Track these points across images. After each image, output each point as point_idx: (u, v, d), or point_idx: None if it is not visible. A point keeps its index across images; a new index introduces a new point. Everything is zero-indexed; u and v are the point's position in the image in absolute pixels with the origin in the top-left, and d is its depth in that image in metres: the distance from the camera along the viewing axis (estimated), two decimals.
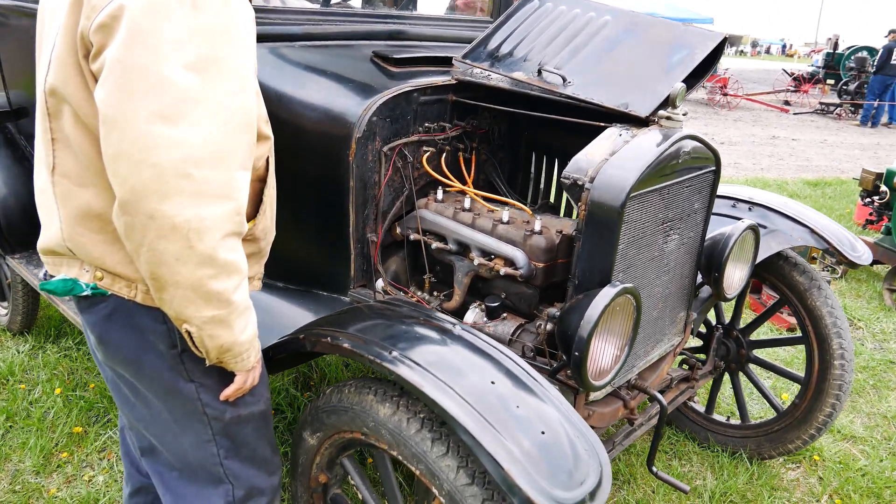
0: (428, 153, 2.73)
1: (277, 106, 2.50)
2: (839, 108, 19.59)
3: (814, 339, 3.01)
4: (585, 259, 2.08)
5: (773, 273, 3.07)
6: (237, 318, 1.47)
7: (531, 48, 2.66)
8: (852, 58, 20.95)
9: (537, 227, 2.48)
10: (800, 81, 22.98)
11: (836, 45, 24.65)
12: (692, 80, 2.43)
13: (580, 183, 2.08)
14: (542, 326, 2.41)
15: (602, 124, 2.35)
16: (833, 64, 23.46)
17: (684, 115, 2.25)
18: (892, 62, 17.11)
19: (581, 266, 2.09)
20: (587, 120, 2.42)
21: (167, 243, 1.30)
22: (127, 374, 1.61)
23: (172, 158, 1.25)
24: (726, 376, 3.43)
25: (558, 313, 2.05)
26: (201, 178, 1.28)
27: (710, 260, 2.57)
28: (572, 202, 2.11)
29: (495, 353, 1.69)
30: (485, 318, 2.52)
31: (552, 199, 3.17)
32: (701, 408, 3.51)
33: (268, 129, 1.64)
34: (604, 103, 2.33)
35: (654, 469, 2.49)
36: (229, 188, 1.34)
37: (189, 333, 1.44)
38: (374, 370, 1.89)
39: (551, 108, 2.59)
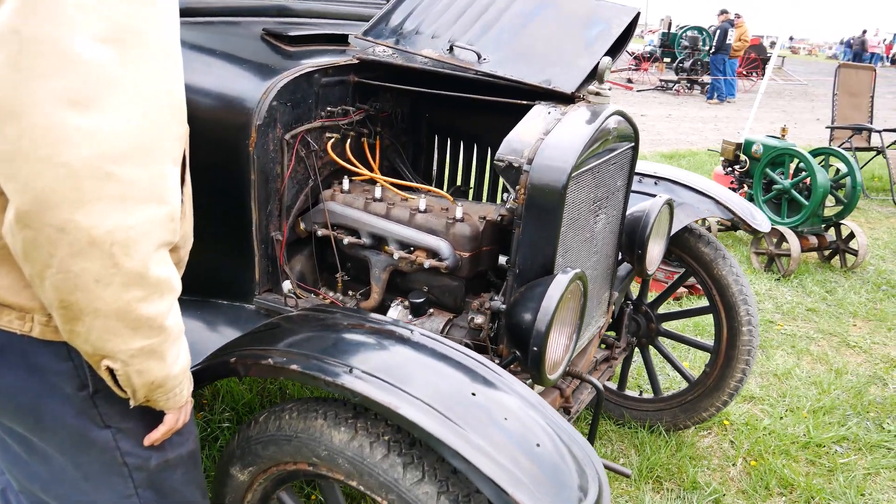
0: (332, 139, 2.49)
1: None
2: (677, 85, 20.89)
3: (721, 307, 3.06)
4: (527, 245, 1.94)
5: (679, 245, 3.09)
6: (170, 346, 1.21)
7: (438, 24, 2.49)
8: (685, 36, 22.35)
9: (459, 214, 2.32)
10: (639, 60, 24.29)
11: (669, 26, 26.25)
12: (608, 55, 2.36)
13: (517, 165, 1.94)
14: (472, 320, 2.26)
15: (523, 102, 2.22)
16: (668, 43, 24.94)
17: (609, 90, 2.16)
18: (728, 42, 18.44)
19: (522, 253, 1.95)
20: (504, 98, 2.29)
21: (84, 262, 1.02)
22: (19, 426, 1.30)
23: (87, 155, 0.97)
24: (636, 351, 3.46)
25: (502, 306, 1.91)
26: (125, 177, 1.01)
27: (632, 237, 2.52)
28: (508, 186, 1.97)
29: (465, 359, 1.51)
30: (409, 316, 2.34)
31: (459, 183, 3.03)
32: (613, 385, 3.52)
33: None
34: (526, 80, 2.19)
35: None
36: (160, 188, 1.08)
37: (111, 371, 1.16)
38: (323, 390, 1.65)
39: (459, 88, 2.43)
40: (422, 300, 2.31)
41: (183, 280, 2.54)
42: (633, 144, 2.39)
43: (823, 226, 5.72)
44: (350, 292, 2.54)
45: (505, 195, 2.33)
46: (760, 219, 3.00)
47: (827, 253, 5.87)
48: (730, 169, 6.19)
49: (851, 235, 5.67)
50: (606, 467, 2.40)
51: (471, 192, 3.01)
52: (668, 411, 3.32)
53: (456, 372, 1.45)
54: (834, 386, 3.88)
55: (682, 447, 3.22)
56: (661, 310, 3.33)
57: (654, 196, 2.69)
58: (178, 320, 1.24)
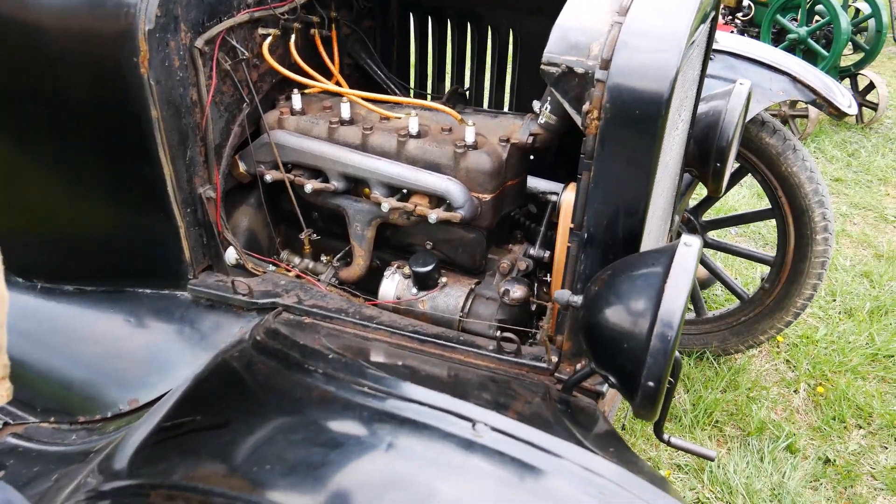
0: (269, 38, 1.68)
1: None
2: None
3: (789, 212, 2.43)
4: (602, 197, 1.23)
5: None
6: None
7: None
8: None
9: (470, 138, 1.59)
10: None
11: None
12: None
13: (582, 71, 1.19)
14: (507, 292, 1.59)
15: None
16: None
17: None
18: None
19: (595, 208, 1.25)
20: None
21: None
22: None
23: None
24: None
25: (578, 300, 1.22)
26: None
27: (705, 146, 1.82)
28: (565, 104, 1.24)
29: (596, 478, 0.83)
30: (414, 289, 1.66)
31: (450, 84, 2.24)
32: None
33: None
34: None
35: (667, 437, 1.84)
36: None
37: None
38: None
39: None
40: (430, 268, 1.62)
41: (85, 267, 1.83)
42: (714, 8, 1.64)
43: (840, 77, 5.04)
44: (324, 257, 1.83)
45: (535, 102, 1.59)
46: (849, 98, 2.31)
47: (837, 113, 5.22)
48: (730, 17, 5.39)
49: (870, 87, 5.03)
50: (687, 450, 1.82)
51: (477, 95, 2.23)
52: (717, 334, 2.75)
53: None
54: (887, 276, 3.36)
55: (737, 377, 2.69)
56: (707, 216, 2.69)
57: (724, 81, 1.97)
58: None
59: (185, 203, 1.58)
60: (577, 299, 1.22)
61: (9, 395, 0.90)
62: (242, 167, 1.76)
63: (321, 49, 1.89)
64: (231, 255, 1.71)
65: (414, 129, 1.63)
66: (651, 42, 1.14)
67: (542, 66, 1.23)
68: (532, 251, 1.66)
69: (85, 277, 1.72)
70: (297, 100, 1.75)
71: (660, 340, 1.04)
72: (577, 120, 1.23)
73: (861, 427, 2.55)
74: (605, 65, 1.16)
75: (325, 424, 0.88)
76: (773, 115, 4.89)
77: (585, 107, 1.19)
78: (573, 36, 1.21)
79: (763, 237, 3.72)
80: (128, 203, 1.57)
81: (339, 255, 1.81)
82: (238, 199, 1.84)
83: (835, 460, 2.40)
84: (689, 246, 1.11)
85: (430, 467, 0.80)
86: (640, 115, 1.15)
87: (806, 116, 4.69)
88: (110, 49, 1.34)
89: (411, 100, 1.76)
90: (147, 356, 1.65)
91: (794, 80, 2.20)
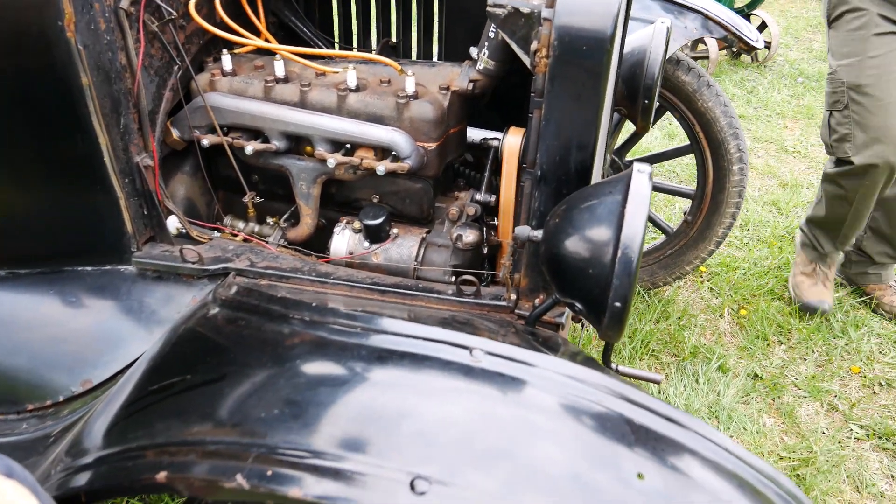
0: None
1: None
2: None
3: (706, 145, 2.55)
4: (553, 133, 1.27)
5: None
6: None
7: None
8: None
9: (411, 88, 1.60)
10: None
11: None
12: None
13: (528, 11, 1.22)
14: (459, 237, 1.62)
15: None
16: None
17: None
18: None
19: (546, 146, 1.29)
20: None
21: None
22: None
23: None
24: None
25: (538, 234, 1.26)
26: None
27: (633, 84, 1.88)
28: (513, 44, 1.26)
29: (598, 391, 0.86)
30: (366, 243, 1.67)
31: (377, 36, 2.22)
32: None
33: None
34: None
35: (614, 366, 1.94)
36: None
37: None
38: None
39: None
40: (380, 220, 1.63)
41: (21, 247, 1.74)
42: None
43: None
44: (269, 219, 1.81)
45: (472, 49, 1.61)
46: (754, 33, 2.43)
47: (735, 49, 5.48)
48: None
49: (763, 26, 5.27)
50: (631, 375, 1.92)
51: (405, 48, 2.22)
52: (646, 269, 2.88)
53: (607, 433, 0.81)
54: (792, 203, 3.59)
55: (667, 308, 2.83)
56: (629, 156, 2.79)
57: (642, 23, 2.04)
58: None
59: (122, 173, 1.53)
60: (538, 234, 1.26)
61: None
62: (176, 133, 1.71)
63: (246, 6, 1.84)
64: (173, 223, 1.67)
65: (353, 83, 1.62)
66: None
67: (488, 8, 1.24)
68: (479, 196, 1.69)
69: (18, 260, 1.64)
70: (227, 60, 1.70)
71: (623, 263, 1.10)
72: (526, 60, 1.26)
73: (782, 343, 2.74)
74: (551, 3, 1.19)
75: (325, 366, 0.89)
76: None
77: (533, 46, 1.22)
78: None
79: (677, 175, 3.90)
80: (62, 177, 1.50)
81: (285, 216, 1.79)
82: (172, 168, 1.78)
83: (762, 375, 2.57)
84: (642, 172, 1.16)
85: (437, 395, 0.83)
86: (586, 51, 1.18)
87: (707, 58, 4.89)
88: (33, 14, 1.27)
89: (348, 53, 1.75)
90: (96, 335, 1.60)
91: (706, 17, 2.29)
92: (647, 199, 1.12)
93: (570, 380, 0.87)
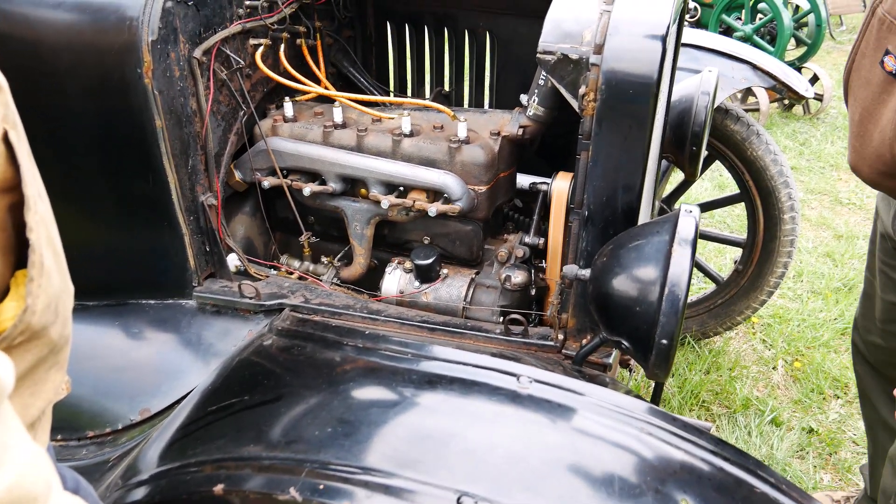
0: (260, 47, 1.73)
1: None
2: None
3: (756, 194, 2.55)
4: (600, 175, 1.31)
5: None
6: None
7: None
8: None
9: (463, 134, 1.65)
10: None
11: None
12: None
13: (576, 57, 1.27)
14: (508, 278, 1.65)
15: None
16: None
17: None
18: None
19: (593, 186, 1.32)
20: None
21: None
22: None
23: None
24: None
25: (586, 273, 1.29)
26: None
27: (681, 131, 1.91)
28: (562, 89, 1.31)
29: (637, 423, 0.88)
30: (416, 283, 1.71)
31: (432, 85, 2.31)
32: None
33: None
34: None
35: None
36: None
37: None
38: None
39: None
40: (431, 260, 1.67)
41: (90, 280, 1.83)
42: (684, 3, 1.74)
43: None
44: (324, 258, 1.87)
45: (522, 96, 1.67)
46: (803, 82, 2.44)
47: (787, 101, 5.47)
48: None
49: (814, 79, 5.26)
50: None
51: (464, 96, 2.30)
52: (696, 319, 2.85)
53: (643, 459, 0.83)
54: (847, 255, 3.52)
55: (718, 359, 2.79)
56: (677, 205, 2.79)
57: (690, 72, 2.08)
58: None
59: (188, 211, 1.61)
60: (586, 272, 1.29)
61: (69, 387, 0.92)
62: (238, 175, 1.79)
63: (308, 57, 1.94)
64: (233, 261, 1.74)
65: (407, 128, 1.69)
66: (639, 27, 1.23)
67: (539, 55, 1.30)
68: (527, 239, 1.72)
69: (87, 292, 1.72)
70: (288, 107, 1.79)
71: (670, 301, 1.12)
72: (574, 104, 1.30)
73: (839, 397, 2.67)
74: (599, 49, 1.23)
75: (377, 389, 0.92)
76: None
77: (581, 90, 1.27)
78: (566, 25, 1.29)
79: (728, 226, 3.87)
80: (132, 214, 1.59)
81: (339, 256, 1.85)
82: (234, 208, 1.87)
83: (818, 430, 2.50)
84: (690, 213, 1.19)
85: (484, 419, 0.85)
86: (633, 95, 1.22)
87: (758, 110, 4.89)
88: (115, 61, 1.38)
89: (402, 99, 1.83)
90: (156, 366, 1.66)
91: (755, 67, 2.32)
92: (693, 239, 1.14)
93: (617, 409, 0.88)
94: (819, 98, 5.24)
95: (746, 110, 4.96)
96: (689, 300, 2.82)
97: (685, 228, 1.15)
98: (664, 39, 1.22)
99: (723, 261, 3.46)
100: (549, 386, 0.89)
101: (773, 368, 2.80)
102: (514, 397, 0.86)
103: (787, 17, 4.86)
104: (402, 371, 0.93)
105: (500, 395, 0.87)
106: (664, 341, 1.11)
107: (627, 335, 1.21)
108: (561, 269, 1.39)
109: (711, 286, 2.86)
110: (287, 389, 0.98)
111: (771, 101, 5.06)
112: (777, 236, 2.56)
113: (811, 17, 5.27)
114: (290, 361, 1.09)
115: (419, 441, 0.81)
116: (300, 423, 0.88)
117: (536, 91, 1.61)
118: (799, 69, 5.32)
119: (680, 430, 0.88)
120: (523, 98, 1.66)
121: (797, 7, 5.60)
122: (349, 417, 0.85)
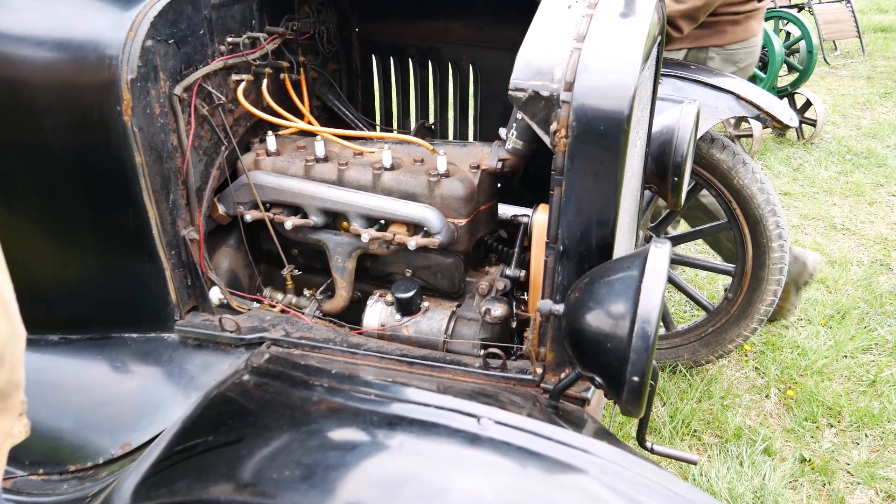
0: (242, 83, 1.75)
1: None
2: None
3: (744, 222, 2.55)
4: (573, 210, 1.31)
5: None
6: None
7: None
8: None
9: (443, 167, 1.66)
10: None
11: None
12: None
13: (547, 94, 1.28)
14: (488, 311, 1.65)
15: None
16: None
17: None
18: None
19: (567, 222, 1.33)
20: None
21: None
22: None
23: None
24: None
25: (560, 308, 1.29)
26: None
27: (662, 162, 1.92)
28: (534, 125, 1.32)
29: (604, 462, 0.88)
30: (397, 316, 1.71)
31: (414, 118, 2.33)
32: None
33: None
34: None
35: (649, 444, 1.90)
36: None
37: None
38: None
39: None
40: (412, 293, 1.67)
41: (70, 316, 1.84)
42: (659, 33, 1.76)
43: (779, 97, 5.29)
44: (306, 291, 1.87)
45: (501, 129, 1.68)
46: (787, 112, 2.45)
47: (771, 127, 5.48)
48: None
49: (807, 105, 5.29)
50: (665, 455, 1.88)
51: (442, 128, 2.32)
52: (687, 347, 2.85)
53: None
54: (841, 281, 3.52)
55: (710, 387, 2.77)
56: (667, 234, 2.80)
57: (673, 102, 2.09)
58: None
59: (169, 245, 1.62)
60: (559, 308, 1.29)
61: (27, 430, 0.92)
62: (221, 209, 1.80)
63: (291, 92, 1.96)
64: (215, 294, 1.75)
65: (388, 162, 1.70)
66: (609, 64, 1.24)
67: (510, 92, 1.31)
68: (508, 271, 1.73)
69: (70, 326, 1.73)
70: (271, 141, 1.81)
71: (640, 337, 1.11)
72: (546, 140, 1.31)
73: (832, 426, 2.65)
74: (569, 87, 1.25)
75: (338, 431, 0.92)
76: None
77: (553, 126, 1.28)
78: (536, 63, 1.30)
79: (715, 256, 3.86)
80: (113, 249, 1.60)
81: (321, 289, 1.85)
82: (217, 242, 1.87)
83: (811, 459, 2.48)
84: (660, 247, 1.19)
85: (441, 462, 0.85)
86: (604, 131, 1.23)
87: (751, 136, 4.91)
88: (94, 99, 1.39)
89: (383, 134, 1.84)
90: (137, 400, 1.66)
91: (738, 97, 2.34)
92: (664, 274, 1.14)
93: (581, 452, 0.88)
94: (812, 123, 5.27)
95: (740, 136, 4.99)
96: (680, 328, 2.82)
97: (656, 263, 1.15)
98: (635, 75, 1.23)
99: (715, 287, 3.46)
100: (509, 428, 0.89)
101: (766, 397, 2.78)
102: (473, 439, 0.86)
103: (777, 43, 4.90)
104: (364, 412, 0.93)
105: (459, 438, 0.87)
106: (635, 378, 1.11)
107: (600, 371, 1.20)
108: None
109: (702, 314, 2.85)
110: (251, 430, 0.98)
111: (764, 127, 5.08)
112: (766, 264, 2.57)
113: (802, 44, 5.32)
114: (260, 400, 1.09)
115: (374, 486, 0.80)
116: (260, 465, 0.88)
117: (514, 125, 1.62)
118: (792, 95, 5.35)
119: (647, 477, 0.88)
120: (502, 132, 1.67)
121: (788, 34, 5.65)
122: (307, 461, 0.85)
